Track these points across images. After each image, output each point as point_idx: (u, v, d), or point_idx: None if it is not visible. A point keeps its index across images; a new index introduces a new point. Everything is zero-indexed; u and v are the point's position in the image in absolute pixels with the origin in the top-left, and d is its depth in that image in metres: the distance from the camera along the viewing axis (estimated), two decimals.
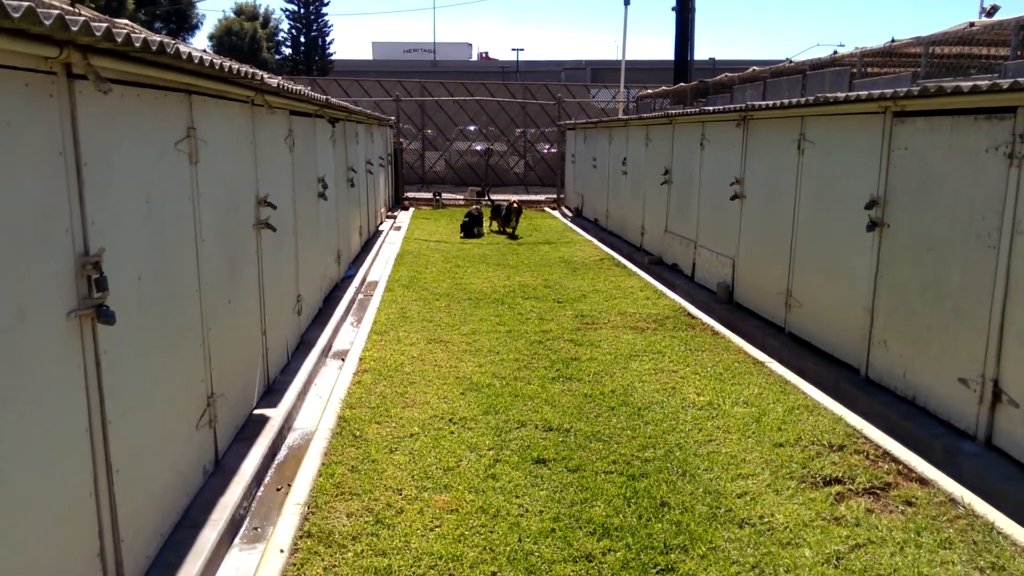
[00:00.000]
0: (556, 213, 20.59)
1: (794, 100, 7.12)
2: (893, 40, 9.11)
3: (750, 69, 14.06)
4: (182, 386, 4.01)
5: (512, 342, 7.44)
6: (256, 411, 5.40)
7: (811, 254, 7.12)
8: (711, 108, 9.46)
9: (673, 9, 21.91)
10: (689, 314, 8.68)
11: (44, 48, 2.42)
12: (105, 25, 2.36)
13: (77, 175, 2.79)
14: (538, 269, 11.55)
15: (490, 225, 15.87)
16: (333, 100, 8.44)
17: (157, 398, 3.60)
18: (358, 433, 5.14)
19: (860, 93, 5.91)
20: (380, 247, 13.80)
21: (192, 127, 4.17)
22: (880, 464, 4.76)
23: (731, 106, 8.92)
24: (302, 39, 56.61)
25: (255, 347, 5.52)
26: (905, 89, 5.30)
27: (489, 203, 16.31)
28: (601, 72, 51.64)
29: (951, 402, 5.19)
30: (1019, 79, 4.21)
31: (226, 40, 50.75)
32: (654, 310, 8.85)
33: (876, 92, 5.64)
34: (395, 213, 19.79)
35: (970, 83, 4.66)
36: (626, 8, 24.98)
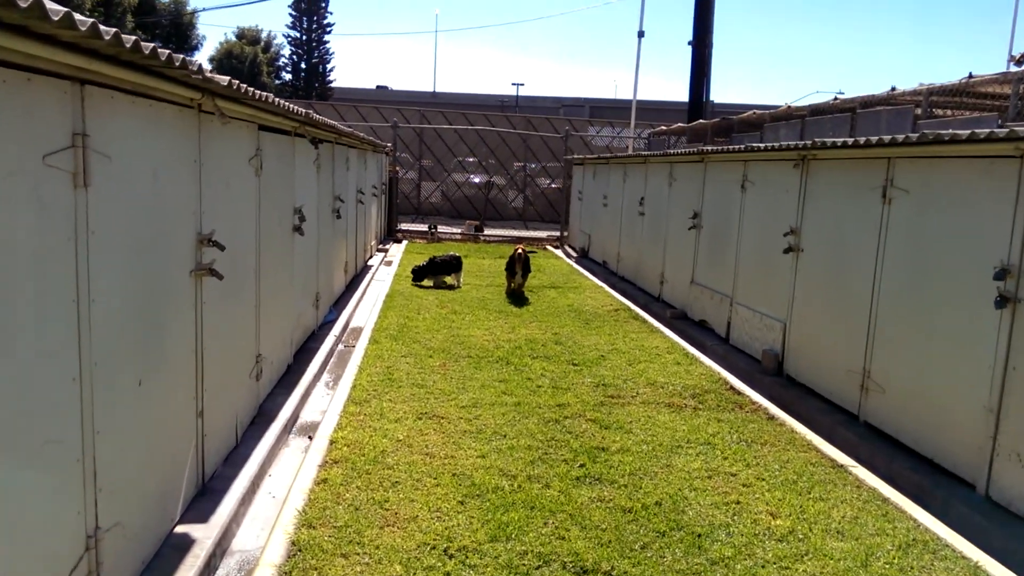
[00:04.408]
0: (559, 252, 19.24)
1: (883, 138, 5.78)
2: (971, 76, 7.84)
3: (784, 105, 12.81)
4: (40, 530, 2.56)
5: (522, 420, 6.00)
6: (179, 528, 3.93)
7: (901, 328, 5.73)
8: (759, 145, 8.13)
9: (690, 43, 20.79)
10: (732, 387, 7.26)
11: None
12: None
13: None
14: (546, 319, 10.14)
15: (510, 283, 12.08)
16: (316, 116, 7.05)
17: None
18: (316, 573, 3.67)
19: (992, 131, 4.57)
20: (368, 285, 12.38)
21: (83, 133, 2.78)
22: None
23: (788, 143, 7.59)
24: (303, 65, 55.80)
25: (183, 438, 4.07)
26: None
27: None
28: (600, 110, 50.77)
29: None
30: None
31: (226, 63, 49.90)
32: (689, 380, 7.43)
33: (1020, 129, 4.30)
34: (387, 246, 18.40)
35: None
36: (639, 41, 23.81)
